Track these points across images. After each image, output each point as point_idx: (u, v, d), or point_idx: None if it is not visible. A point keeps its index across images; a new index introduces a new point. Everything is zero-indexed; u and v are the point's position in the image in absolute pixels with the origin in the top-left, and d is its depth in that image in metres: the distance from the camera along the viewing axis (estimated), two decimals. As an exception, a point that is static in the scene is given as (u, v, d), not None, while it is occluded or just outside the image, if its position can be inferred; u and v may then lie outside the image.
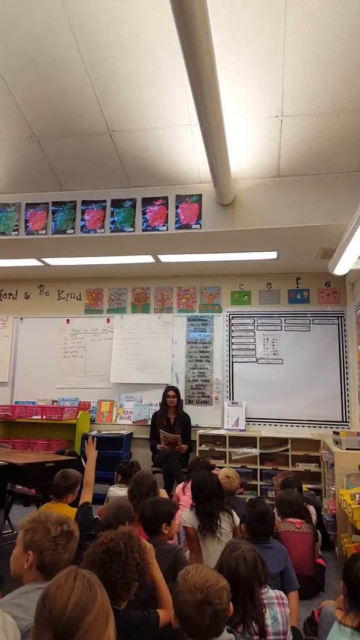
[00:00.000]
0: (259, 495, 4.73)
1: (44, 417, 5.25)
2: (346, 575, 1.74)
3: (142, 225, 4.08)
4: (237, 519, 2.80)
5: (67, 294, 5.99)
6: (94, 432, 5.34)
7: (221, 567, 1.70)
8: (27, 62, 3.08)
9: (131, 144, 3.65)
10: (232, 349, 5.49)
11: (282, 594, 1.86)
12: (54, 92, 3.28)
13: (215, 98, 2.50)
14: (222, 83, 2.51)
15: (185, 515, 2.84)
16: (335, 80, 2.99)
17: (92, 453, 2.94)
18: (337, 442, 3.91)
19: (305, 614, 2.45)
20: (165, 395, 5.10)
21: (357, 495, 2.97)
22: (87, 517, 2.52)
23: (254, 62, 2.93)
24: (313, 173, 3.75)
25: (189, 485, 3.60)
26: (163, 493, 3.81)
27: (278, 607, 1.77)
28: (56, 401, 5.67)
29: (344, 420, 5.08)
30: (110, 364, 5.67)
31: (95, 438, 3.11)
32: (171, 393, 5.08)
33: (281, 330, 5.42)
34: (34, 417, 5.32)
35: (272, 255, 4.65)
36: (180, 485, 3.77)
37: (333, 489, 3.69)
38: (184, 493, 3.62)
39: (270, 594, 1.81)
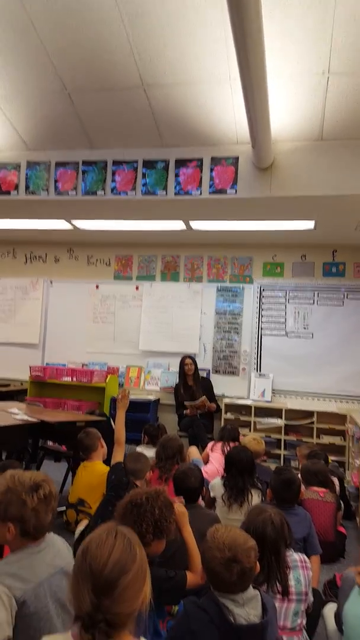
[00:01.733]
0: (282, 464, 4.76)
1: (74, 379, 5.37)
2: None
3: (175, 188, 3.98)
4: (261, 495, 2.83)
5: (97, 260, 6.01)
6: (121, 396, 5.43)
7: (248, 528, 1.73)
8: (59, 9, 2.93)
9: (165, 99, 3.50)
10: (262, 322, 5.43)
11: (305, 557, 1.91)
12: (86, 42, 3.14)
13: (260, 51, 2.36)
14: (266, 34, 2.36)
15: (214, 483, 2.90)
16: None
17: (123, 406, 2.94)
18: (365, 417, 3.85)
19: (325, 577, 2.49)
20: (182, 364, 5.12)
21: (383, 469, 2.94)
22: (120, 478, 2.57)
23: (301, 13, 2.74)
24: (358, 137, 3.55)
25: (218, 444, 3.68)
26: (194, 451, 3.94)
27: (301, 569, 1.82)
28: (86, 364, 5.77)
29: (373, 396, 4.98)
30: (139, 330, 5.70)
31: (128, 390, 3.13)
32: (188, 361, 5.11)
33: (314, 304, 5.30)
34: (65, 378, 5.44)
35: (310, 225, 4.49)
36: (210, 445, 3.94)
37: (358, 462, 3.66)
38: (212, 450, 3.79)
39: (295, 557, 1.86)
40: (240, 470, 2.78)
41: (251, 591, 1.43)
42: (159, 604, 1.75)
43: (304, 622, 1.76)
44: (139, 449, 3.67)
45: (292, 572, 1.79)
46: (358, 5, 2.67)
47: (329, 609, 1.92)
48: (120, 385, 5.61)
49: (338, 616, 1.73)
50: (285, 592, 1.71)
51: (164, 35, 3.03)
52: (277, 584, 1.71)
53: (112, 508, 2.23)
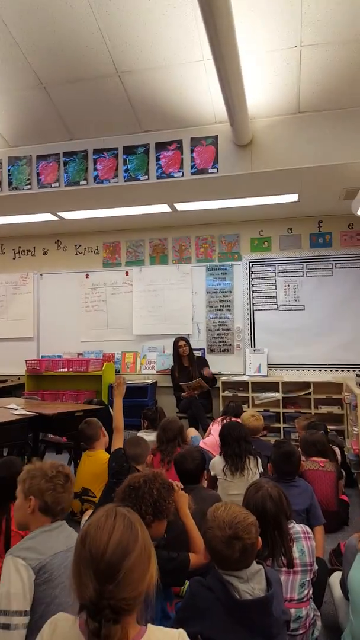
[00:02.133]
0: (282, 437, 4.87)
1: (71, 369, 5.41)
2: None
3: (157, 172, 3.95)
4: (260, 464, 2.89)
5: (85, 248, 5.97)
6: (120, 383, 5.48)
7: (248, 505, 1.76)
8: (27, 3, 2.87)
9: (141, 85, 3.46)
10: (253, 297, 5.46)
11: (308, 528, 1.95)
12: (57, 35, 3.09)
13: (230, 29, 2.33)
14: (236, 10, 2.32)
15: (214, 461, 2.96)
16: (358, 5, 2.72)
17: (119, 394, 2.96)
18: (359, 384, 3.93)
19: (330, 547, 2.57)
20: (176, 346, 5.16)
21: (380, 435, 3.02)
22: (121, 464, 2.61)
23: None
24: (335, 107, 3.52)
25: (219, 419, 3.79)
26: (192, 431, 4.02)
27: (304, 540, 1.86)
28: (81, 354, 5.81)
29: (367, 363, 5.08)
30: (131, 316, 5.72)
31: (124, 378, 3.13)
32: (182, 343, 5.14)
33: (303, 276, 5.33)
34: (61, 369, 5.48)
35: (293, 197, 4.48)
36: (212, 422, 4.03)
37: (356, 429, 3.76)
38: (212, 425, 3.89)
39: (297, 528, 1.90)
40: (235, 438, 2.86)
41: (255, 566, 1.46)
42: (165, 586, 1.79)
43: (311, 592, 1.82)
44: (140, 434, 3.73)
45: (296, 543, 1.83)
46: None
47: (335, 577, 1.99)
48: (117, 371, 5.66)
49: (343, 583, 1.81)
50: (291, 565, 1.75)
51: (135, 22, 2.97)
52: (282, 557, 1.75)
53: (113, 495, 2.29)
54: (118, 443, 2.78)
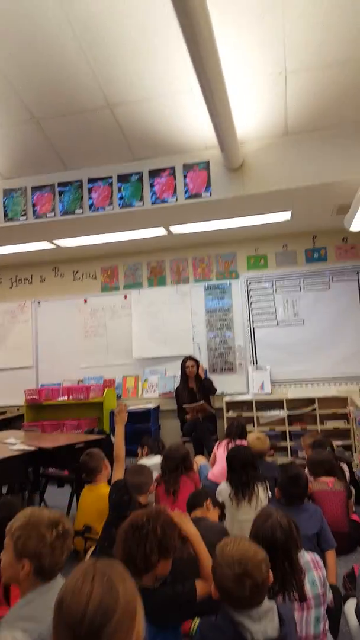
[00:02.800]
0: (289, 456, 4.81)
1: (71, 397, 5.34)
2: None
3: (151, 198, 4.00)
4: (269, 488, 2.84)
5: (82, 274, 6.00)
6: (122, 407, 5.43)
7: (257, 536, 1.71)
8: (19, 42, 2.95)
9: (132, 116, 3.53)
10: (252, 314, 5.46)
11: (317, 556, 1.89)
12: (49, 71, 3.17)
13: (214, 58, 2.38)
14: (220, 42, 2.38)
15: (221, 488, 2.91)
16: (337, 28, 2.80)
17: (120, 420, 2.83)
18: (364, 400, 3.90)
19: (343, 570, 2.51)
20: (183, 367, 5.12)
21: (388, 451, 2.98)
22: (121, 496, 2.48)
23: (252, 17, 2.75)
24: (322, 128, 3.59)
25: (224, 442, 3.74)
26: (200, 458, 3.95)
27: (314, 570, 1.80)
28: (81, 381, 5.77)
29: (370, 375, 5.05)
30: (131, 339, 5.71)
31: (126, 404, 3.01)
32: (189, 363, 5.09)
33: (300, 290, 5.35)
34: (61, 398, 5.41)
35: (286, 215, 4.53)
36: (217, 443, 3.95)
37: (363, 445, 3.71)
38: (217, 449, 3.82)
39: (306, 558, 1.83)
40: (242, 464, 2.80)
41: (266, 604, 1.40)
42: (174, 624, 1.70)
43: (327, 624, 1.76)
44: (141, 462, 3.64)
45: (306, 574, 1.76)
46: (305, 7, 2.68)
47: (349, 606, 1.93)
48: (118, 397, 5.62)
49: (359, 612, 1.76)
50: (303, 598, 1.69)
51: (123, 56, 3.05)
52: (294, 591, 1.68)
53: (116, 529, 2.23)
54: (118, 474, 2.64)
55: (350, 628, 1.92)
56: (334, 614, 1.90)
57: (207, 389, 5.07)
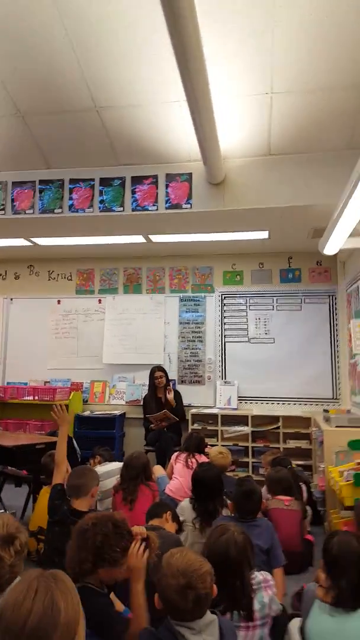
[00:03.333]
0: (250, 472, 4.82)
1: (36, 397, 5.27)
2: (325, 553, 1.78)
3: (132, 205, 4.00)
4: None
5: (58, 275, 5.94)
6: (87, 413, 5.37)
7: (210, 549, 1.70)
8: (9, 35, 2.94)
9: (119, 121, 3.54)
10: (225, 329, 5.51)
11: (268, 575, 1.89)
12: (38, 68, 3.15)
13: (202, 74, 2.42)
14: (210, 60, 2.42)
15: (183, 506, 2.87)
16: (325, 56, 2.90)
17: (62, 422, 2.74)
18: (326, 420, 3.96)
19: (293, 589, 2.52)
20: (152, 377, 5.10)
21: (345, 473, 3.03)
22: (53, 500, 2.47)
23: (242, 38, 2.82)
24: (304, 151, 3.68)
25: (182, 455, 3.67)
26: (158, 469, 3.90)
27: (264, 590, 1.79)
28: (48, 382, 5.67)
29: (335, 397, 5.14)
30: (102, 344, 5.66)
31: (61, 405, 2.85)
32: (158, 374, 5.08)
33: (273, 309, 5.43)
34: (26, 397, 5.33)
35: (264, 234, 4.61)
36: (174, 456, 3.85)
37: (322, 465, 3.75)
38: (175, 463, 3.71)
39: (258, 578, 1.83)
40: (208, 493, 2.74)
41: (208, 616, 1.40)
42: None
43: None
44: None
45: (256, 595, 1.76)
46: (293, 32, 2.77)
47: (294, 624, 1.93)
48: (85, 401, 5.55)
49: (302, 631, 1.76)
50: (249, 617, 1.68)
51: (114, 61, 3.07)
52: (241, 610, 1.68)
53: (51, 535, 2.20)
54: (57, 478, 2.57)
55: (292, 646, 1.92)
56: (278, 631, 1.89)
57: (176, 400, 5.05)
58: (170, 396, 4.98)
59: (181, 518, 2.79)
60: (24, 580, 0.96)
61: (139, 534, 1.74)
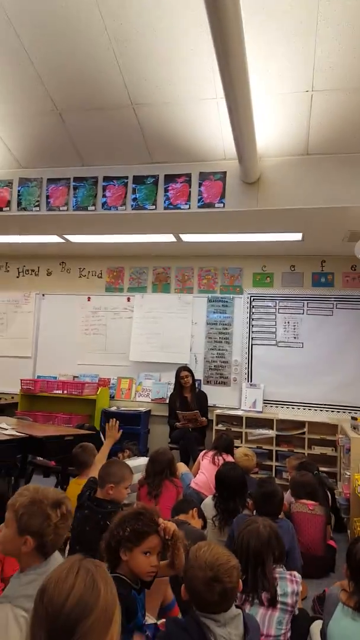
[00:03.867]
0: (273, 475, 4.76)
1: (65, 391, 5.36)
2: (348, 558, 1.76)
3: (164, 203, 4.03)
4: None
5: (89, 272, 6.03)
6: (114, 408, 5.43)
7: (236, 539, 1.75)
8: (49, 32, 3.01)
9: (154, 118, 3.57)
10: (252, 332, 5.46)
11: (296, 573, 1.91)
12: (76, 64, 3.21)
13: (243, 71, 2.42)
14: (250, 55, 2.42)
15: (206, 503, 2.90)
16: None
17: (111, 437, 2.82)
18: (354, 428, 3.87)
19: (314, 593, 2.48)
20: (178, 376, 5.11)
21: (372, 481, 2.95)
22: (83, 490, 2.50)
23: (284, 33, 2.81)
24: (343, 152, 3.61)
25: (209, 452, 3.71)
26: (182, 466, 3.92)
27: (289, 582, 1.83)
28: (77, 377, 5.77)
29: (363, 405, 5.01)
30: (129, 342, 5.71)
31: (117, 421, 2.94)
32: (184, 373, 5.09)
33: (303, 313, 5.34)
34: (55, 391, 5.44)
35: (297, 236, 4.55)
36: (202, 453, 3.90)
37: (348, 473, 3.67)
38: (202, 459, 3.76)
39: (284, 571, 1.87)
40: (231, 492, 2.76)
41: (233, 610, 1.42)
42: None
43: (289, 634, 1.76)
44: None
45: (279, 582, 1.80)
46: (338, 28, 2.74)
47: (316, 626, 1.91)
48: (112, 397, 5.61)
49: (323, 634, 1.73)
50: (273, 602, 1.72)
51: (152, 58, 3.10)
52: (263, 593, 1.72)
53: (75, 521, 2.21)
54: (94, 472, 2.61)
55: (314, 649, 1.89)
56: (300, 634, 1.88)
57: (201, 401, 5.05)
58: (202, 419, 4.91)
59: (205, 513, 2.79)
60: (67, 560, 1.00)
61: (167, 527, 1.70)
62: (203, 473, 3.60)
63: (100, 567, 0.99)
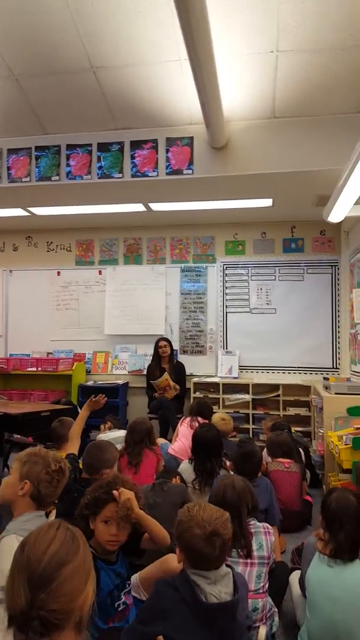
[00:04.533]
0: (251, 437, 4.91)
1: (39, 368, 5.31)
2: (323, 509, 1.85)
3: (131, 170, 3.93)
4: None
5: (57, 246, 5.88)
6: (90, 383, 5.43)
7: (212, 494, 1.81)
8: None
9: (117, 82, 3.43)
10: (226, 300, 5.50)
11: (268, 525, 2.00)
12: (32, 27, 3.02)
13: (205, 31, 2.32)
14: (212, 15, 2.32)
15: (183, 467, 2.95)
16: (335, 12, 2.77)
17: (89, 407, 2.79)
18: (326, 388, 4.00)
19: (293, 546, 2.60)
20: (157, 346, 5.14)
21: (344, 437, 3.08)
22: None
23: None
24: (309, 114, 3.58)
25: (186, 419, 3.77)
26: (160, 440, 3.98)
27: (263, 535, 1.91)
28: (51, 353, 5.71)
29: (334, 366, 5.18)
30: (104, 315, 5.67)
31: (105, 396, 2.89)
32: (162, 343, 5.12)
33: (275, 280, 5.40)
34: (29, 369, 5.37)
35: (267, 202, 4.54)
36: (180, 421, 3.96)
37: (322, 431, 3.82)
38: (180, 426, 3.84)
39: (257, 524, 1.95)
40: (207, 453, 2.83)
41: (223, 569, 1.45)
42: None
43: (267, 585, 1.85)
44: (103, 436, 3.66)
45: (254, 537, 1.88)
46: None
47: (295, 576, 2.02)
48: (88, 372, 5.60)
49: (302, 581, 1.83)
50: (249, 556, 1.80)
51: (111, 18, 2.94)
52: (240, 548, 1.80)
53: (59, 502, 2.24)
54: (70, 448, 2.61)
55: (293, 596, 2.03)
56: (279, 584, 1.98)
57: (179, 371, 5.10)
58: (175, 385, 4.97)
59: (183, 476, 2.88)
60: (49, 521, 1.09)
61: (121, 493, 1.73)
62: (180, 440, 3.67)
63: (79, 530, 1.04)
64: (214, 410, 4.65)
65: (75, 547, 0.97)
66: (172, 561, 1.67)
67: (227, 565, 1.49)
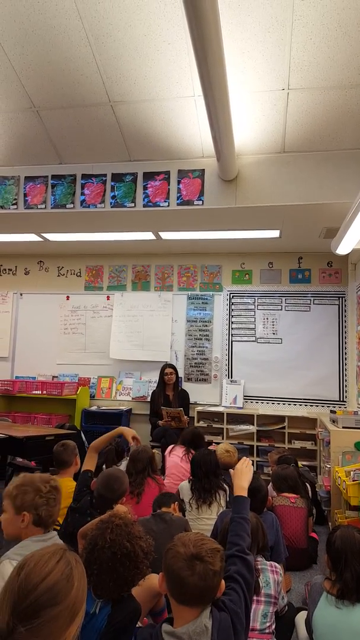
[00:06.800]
0: (255, 470, 4.81)
1: (44, 392, 5.30)
2: (328, 548, 1.80)
3: (143, 200, 4.02)
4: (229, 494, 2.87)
5: (67, 270, 5.97)
6: (94, 408, 5.39)
7: (220, 529, 1.75)
8: (26, 29, 2.98)
9: (133, 116, 3.57)
10: (232, 328, 5.50)
11: (276, 564, 1.94)
12: (53, 61, 3.19)
13: (221, 69, 2.42)
14: (227, 52, 2.44)
15: (182, 486, 2.96)
16: (344, 52, 2.90)
17: (123, 432, 2.74)
18: (333, 421, 3.95)
19: (298, 585, 2.52)
20: (162, 373, 5.12)
21: (352, 472, 3.02)
22: (81, 487, 2.46)
23: (261, 32, 2.83)
24: (318, 149, 3.68)
25: (178, 449, 3.73)
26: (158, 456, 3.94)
27: (271, 573, 1.85)
28: (56, 377, 5.70)
29: (341, 399, 5.12)
30: (109, 340, 5.68)
31: (138, 441, 2.82)
32: (168, 370, 5.10)
33: (281, 310, 5.42)
34: (34, 392, 5.37)
35: (275, 233, 4.60)
36: (169, 449, 3.90)
37: (328, 466, 3.74)
38: (170, 456, 3.80)
39: (264, 561, 1.89)
40: (205, 472, 2.86)
41: (202, 621, 1.23)
42: None
43: (274, 627, 1.78)
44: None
45: (262, 574, 1.82)
46: (314, 27, 2.78)
47: (301, 616, 1.95)
48: (92, 396, 5.57)
49: (308, 623, 1.77)
50: (256, 591, 1.74)
51: (130, 55, 3.09)
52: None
53: (70, 519, 2.20)
54: (88, 464, 2.56)
55: (299, 638, 1.93)
56: (287, 624, 1.91)
57: (183, 399, 5.06)
58: (185, 418, 4.86)
59: (180, 496, 2.91)
60: (54, 545, 1.04)
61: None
62: (172, 475, 3.58)
63: (80, 563, 1.01)
64: (219, 441, 4.60)
65: (69, 586, 0.94)
66: (155, 579, 1.51)
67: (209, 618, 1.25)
